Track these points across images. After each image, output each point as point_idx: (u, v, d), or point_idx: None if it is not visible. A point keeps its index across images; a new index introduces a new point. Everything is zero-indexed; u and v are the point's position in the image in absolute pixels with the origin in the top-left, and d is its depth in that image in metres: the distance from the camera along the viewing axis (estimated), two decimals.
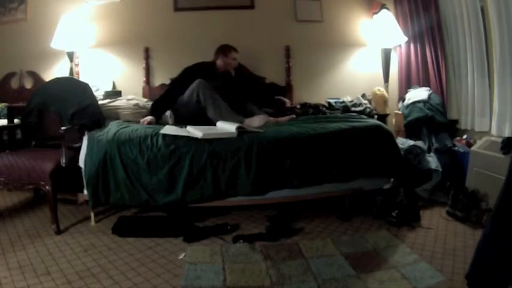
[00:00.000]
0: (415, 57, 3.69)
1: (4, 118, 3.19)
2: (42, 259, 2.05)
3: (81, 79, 3.62)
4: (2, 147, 2.94)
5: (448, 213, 2.65)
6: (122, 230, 2.45)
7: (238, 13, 3.88)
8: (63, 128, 2.60)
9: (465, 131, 3.33)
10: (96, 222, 2.60)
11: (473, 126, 3.22)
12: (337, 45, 3.95)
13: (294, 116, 3.05)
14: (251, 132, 2.52)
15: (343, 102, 3.66)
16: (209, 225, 2.54)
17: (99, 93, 3.50)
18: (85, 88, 3.09)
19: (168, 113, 3.18)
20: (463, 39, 3.27)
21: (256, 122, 2.86)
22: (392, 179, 2.80)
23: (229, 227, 2.47)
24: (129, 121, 2.99)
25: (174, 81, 3.27)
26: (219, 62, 3.35)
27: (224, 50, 3.35)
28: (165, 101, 3.08)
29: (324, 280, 1.83)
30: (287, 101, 3.53)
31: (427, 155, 3.03)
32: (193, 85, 2.98)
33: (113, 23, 3.81)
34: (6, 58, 3.77)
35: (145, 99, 3.61)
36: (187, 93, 3.00)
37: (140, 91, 3.81)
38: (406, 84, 3.77)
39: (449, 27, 3.46)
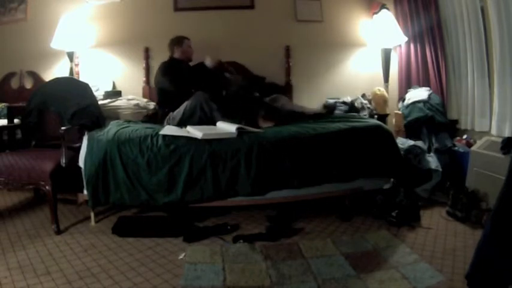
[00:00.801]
0: (415, 57, 3.69)
1: (4, 118, 3.18)
2: (42, 259, 2.05)
3: (81, 79, 3.61)
4: (2, 147, 2.94)
5: (448, 213, 2.65)
6: (122, 230, 2.45)
7: (238, 13, 3.88)
8: (63, 128, 2.61)
9: (465, 131, 3.33)
10: (96, 222, 2.60)
11: (473, 126, 3.22)
12: (337, 45, 3.95)
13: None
14: (251, 132, 2.52)
15: (343, 102, 3.67)
16: (209, 225, 2.55)
17: (99, 93, 3.50)
18: (85, 88, 3.09)
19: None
20: (463, 39, 3.27)
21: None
22: (392, 179, 2.80)
23: (229, 227, 2.48)
24: (129, 121, 2.99)
25: (171, 79, 3.18)
26: (177, 54, 3.35)
27: (178, 40, 3.36)
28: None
29: (324, 280, 1.84)
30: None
31: (427, 155, 3.03)
32: (195, 98, 2.93)
33: (113, 23, 3.81)
34: (6, 58, 3.77)
35: (145, 100, 3.60)
36: (188, 107, 2.93)
37: (140, 91, 3.80)
38: (406, 84, 3.77)
39: (449, 27, 3.46)
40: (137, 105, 3.39)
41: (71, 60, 3.70)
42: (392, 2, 3.85)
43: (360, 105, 3.61)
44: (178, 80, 3.14)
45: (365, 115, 3.42)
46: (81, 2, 3.75)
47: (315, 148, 2.46)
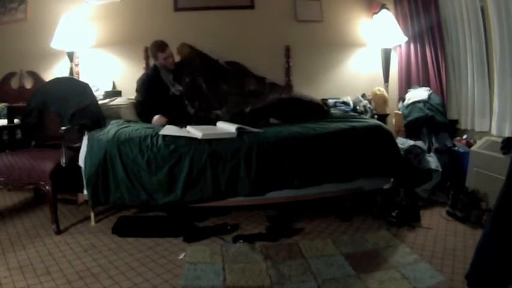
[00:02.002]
0: (415, 57, 3.69)
1: (4, 118, 3.19)
2: (42, 259, 2.06)
3: (81, 79, 3.61)
4: (2, 147, 2.94)
5: (448, 213, 2.65)
6: (122, 230, 2.45)
7: (238, 13, 3.87)
8: (63, 128, 2.61)
9: (465, 131, 3.33)
10: (96, 222, 2.60)
11: (473, 126, 3.22)
12: (337, 45, 3.94)
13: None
14: (251, 132, 2.52)
15: (343, 102, 3.67)
16: (209, 225, 2.55)
17: (99, 93, 3.50)
18: (85, 88, 3.09)
19: None
20: (463, 39, 3.27)
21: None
22: (392, 179, 2.80)
23: (229, 227, 2.48)
24: (129, 121, 2.98)
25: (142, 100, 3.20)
26: (160, 61, 3.20)
27: (161, 47, 3.19)
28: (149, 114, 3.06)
29: (324, 280, 1.84)
30: None
31: (427, 155, 3.03)
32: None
33: (113, 23, 3.81)
34: (6, 58, 3.76)
35: None
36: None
37: None
38: (406, 84, 3.77)
39: (449, 27, 3.46)
40: None
41: (71, 60, 3.70)
42: (392, 2, 3.85)
43: (362, 109, 3.61)
44: (149, 100, 3.13)
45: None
46: (81, 2, 3.75)
47: (315, 148, 2.46)
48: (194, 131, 2.48)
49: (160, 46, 3.21)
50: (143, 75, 3.31)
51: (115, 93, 3.63)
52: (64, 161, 2.49)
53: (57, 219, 2.43)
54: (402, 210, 2.52)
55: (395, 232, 2.40)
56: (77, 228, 2.52)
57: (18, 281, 1.82)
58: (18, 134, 3.12)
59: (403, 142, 3.04)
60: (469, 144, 3.04)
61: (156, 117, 2.97)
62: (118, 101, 3.33)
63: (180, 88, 3.17)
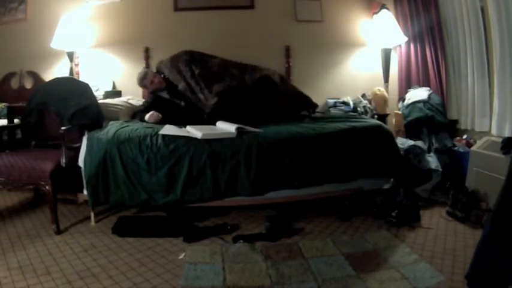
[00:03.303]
0: (415, 57, 3.69)
1: (4, 118, 3.18)
2: (42, 259, 2.06)
3: (81, 79, 3.61)
4: (2, 147, 2.94)
5: (448, 213, 2.65)
6: (122, 230, 2.45)
7: (238, 13, 3.87)
8: (63, 128, 2.60)
9: (465, 131, 3.33)
10: (96, 222, 2.60)
11: (473, 126, 3.22)
12: (337, 45, 3.95)
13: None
14: (251, 132, 2.52)
15: (343, 102, 3.67)
16: (209, 225, 2.55)
17: (99, 93, 3.50)
18: (85, 88, 3.09)
19: None
20: (463, 39, 3.27)
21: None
22: (392, 179, 2.80)
23: (229, 227, 2.48)
24: (128, 121, 2.98)
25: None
26: (150, 88, 3.29)
27: (143, 76, 3.30)
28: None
29: (324, 280, 1.84)
30: None
31: (427, 155, 3.03)
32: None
33: (113, 23, 3.81)
34: (6, 58, 3.77)
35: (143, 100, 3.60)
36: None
37: (140, 91, 3.80)
38: (406, 84, 3.77)
39: (449, 27, 3.46)
40: (132, 104, 3.38)
41: (71, 60, 3.70)
42: (392, 2, 3.85)
43: (362, 109, 3.61)
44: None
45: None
46: (81, 2, 3.75)
47: (315, 148, 2.46)
48: (194, 131, 2.48)
49: (142, 76, 3.30)
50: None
51: (115, 93, 3.63)
52: (64, 161, 2.49)
53: (57, 219, 2.43)
54: (402, 210, 2.52)
55: (395, 232, 2.40)
56: (77, 228, 2.52)
57: (18, 281, 1.82)
58: (18, 134, 3.11)
59: (403, 142, 3.05)
60: (469, 144, 3.04)
61: (149, 113, 2.96)
62: (115, 100, 3.32)
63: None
